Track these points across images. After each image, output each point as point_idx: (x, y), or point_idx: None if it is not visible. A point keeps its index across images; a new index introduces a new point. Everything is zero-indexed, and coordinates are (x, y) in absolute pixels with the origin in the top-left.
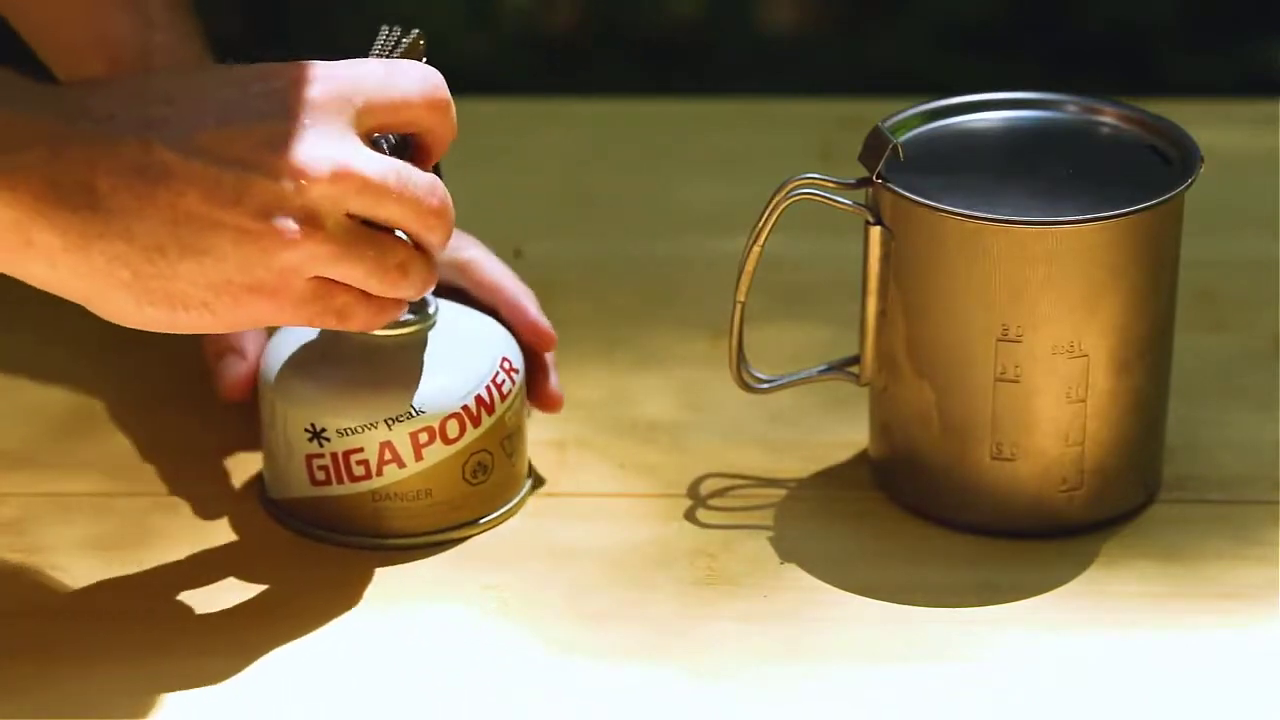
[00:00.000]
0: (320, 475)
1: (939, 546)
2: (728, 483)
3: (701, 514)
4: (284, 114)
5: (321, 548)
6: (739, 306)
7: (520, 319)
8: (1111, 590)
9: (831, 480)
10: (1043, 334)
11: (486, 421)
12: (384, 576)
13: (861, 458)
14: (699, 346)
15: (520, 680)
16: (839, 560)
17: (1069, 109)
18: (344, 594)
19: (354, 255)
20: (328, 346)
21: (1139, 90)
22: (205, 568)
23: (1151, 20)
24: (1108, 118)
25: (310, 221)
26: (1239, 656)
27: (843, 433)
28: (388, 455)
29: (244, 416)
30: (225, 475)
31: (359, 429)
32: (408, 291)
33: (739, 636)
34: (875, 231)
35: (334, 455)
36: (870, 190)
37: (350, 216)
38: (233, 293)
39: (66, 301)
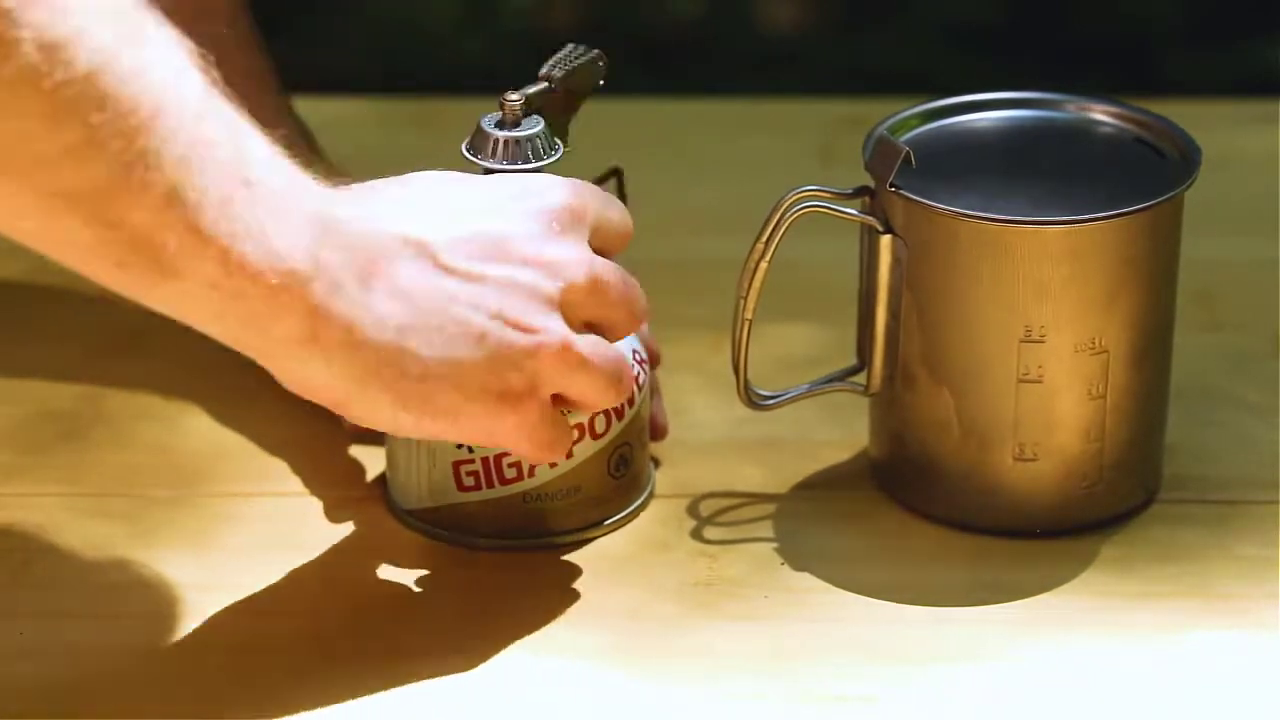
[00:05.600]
0: (469, 481)
1: (940, 547)
2: (728, 483)
3: (702, 514)
4: (539, 221)
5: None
6: (746, 324)
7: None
8: (1111, 590)
9: (831, 481)
10: (1065, 333)
11: (628, 414)
12: (386, 577)
13: (860, 458)
14: (700, 346)
15: (520, 680)
16: (839, 560)
17: (1069, 109)
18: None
19: (595, 367)
20: None
21: (1139, 90)
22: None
23: (1151, 20)
24: (1108, 118)
25: (558, 325)
26: (1239, 657)
27: (842, 433)
28: None
29: (258, 417)
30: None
31: None
32: (614, 401)
33: (739, 636)
34: (885, 240)
35: (485, 460)
36: (872, 198)
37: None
38: (484, 401)
39: (77, 304)
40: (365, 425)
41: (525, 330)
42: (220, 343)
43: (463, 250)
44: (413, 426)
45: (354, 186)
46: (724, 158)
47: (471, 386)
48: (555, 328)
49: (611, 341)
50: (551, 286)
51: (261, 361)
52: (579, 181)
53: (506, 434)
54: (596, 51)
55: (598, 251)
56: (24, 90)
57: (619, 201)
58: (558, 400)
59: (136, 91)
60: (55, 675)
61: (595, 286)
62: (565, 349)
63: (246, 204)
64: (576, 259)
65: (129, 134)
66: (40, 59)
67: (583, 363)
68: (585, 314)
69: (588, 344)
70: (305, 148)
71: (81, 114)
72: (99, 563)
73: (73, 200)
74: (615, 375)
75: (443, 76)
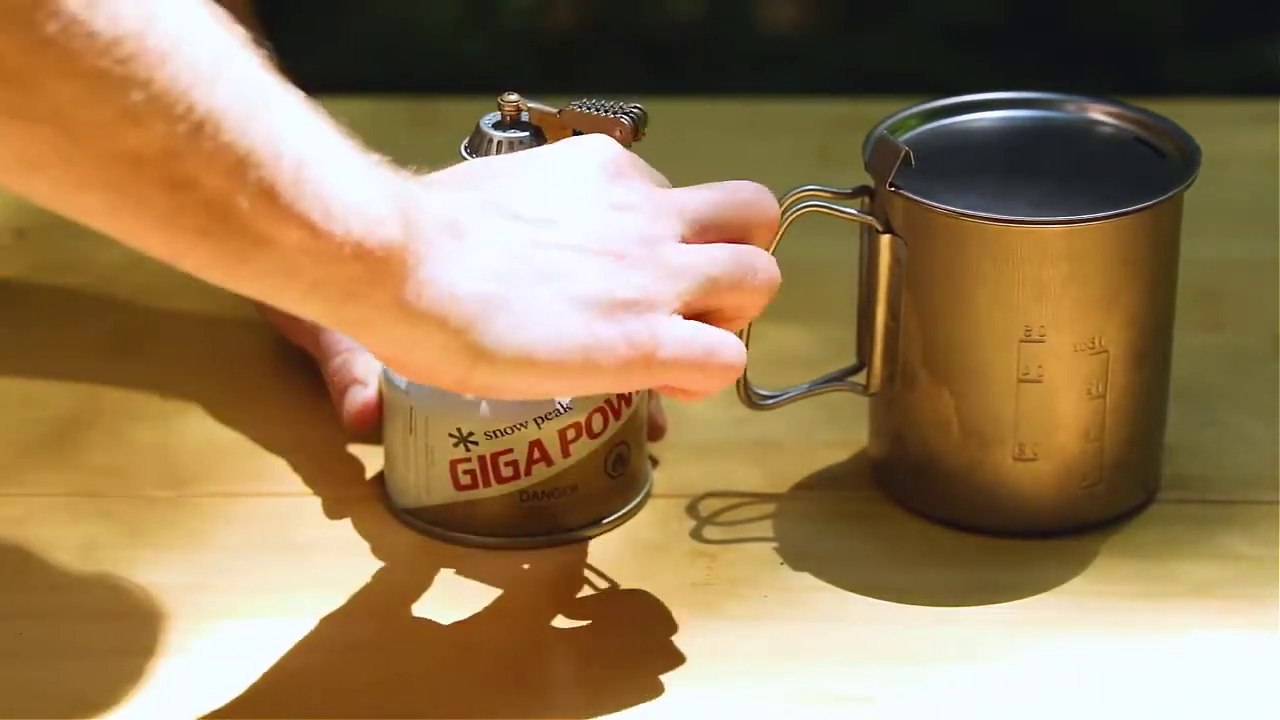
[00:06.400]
0: (466, 480)
1: (940, 547)
2: (728, 483)
3: (701, 514)
4: (601, 175)
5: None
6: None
7: None
8: (1111, 590)
9: (831, 481)
10: (1065, 332)
11: (625, 413)
12: (384, 576)
13: (860, 458)
14: None
15: (520, 680)
16: (839, 561)
17: (1069, 109)
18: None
19: (728, 274)
20: None
21: (1139, 90)
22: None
23: (1151, 20)
24: (1108, 118)
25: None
26: (1239, 657)
27: (842, 433)
28: (536, 454)
29: (257, 417)
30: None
31: (509, 430)
32: (701, 384)
33: (739, 636)
34: (885, 239)
35: (481, 459)
36: (872, 198)
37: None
38: (598, 311)
39: (74, 304)
40: (489, 394)
41: (626, 247)
42: (219, 344)
43: (535, 204)
44: (540, 381)
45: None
46: (724, 158)
47: (585, 304)
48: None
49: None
50: (660, 285)
51: (365, 338)
52: (683, 191)
53: (645, 343)
54: (640, 108)
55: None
56: (73, 47)
57: (747, 194)
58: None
59: (193, 56)
60: (53, 676)
61: (698, 219)
62: (700, 252)
63: (323, 167)
64: (688, 261)
65: (187, 96)
66: (87, 15)
67: (710, 269)
68: (710, 237)
69: (709, 254)
70: None
71: (137, 75)
72: (95, 563)
73: (138, 164)
74: (764, 280)
75: (442, 76)
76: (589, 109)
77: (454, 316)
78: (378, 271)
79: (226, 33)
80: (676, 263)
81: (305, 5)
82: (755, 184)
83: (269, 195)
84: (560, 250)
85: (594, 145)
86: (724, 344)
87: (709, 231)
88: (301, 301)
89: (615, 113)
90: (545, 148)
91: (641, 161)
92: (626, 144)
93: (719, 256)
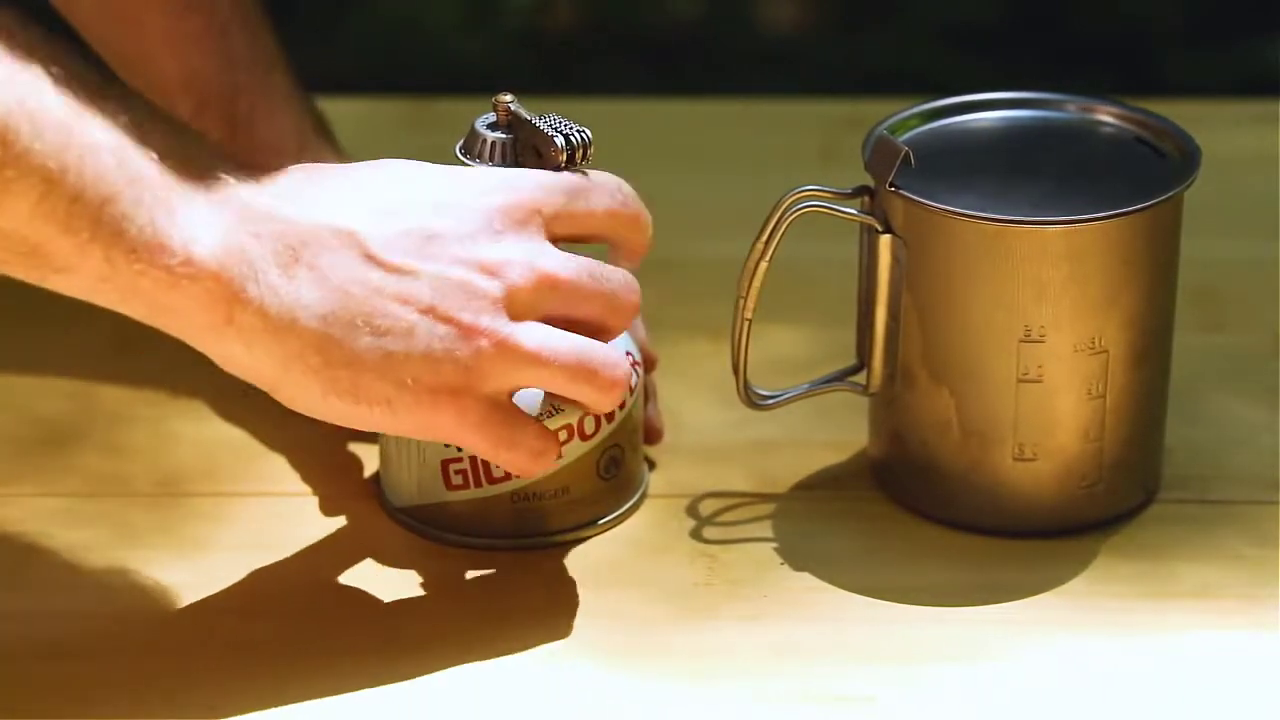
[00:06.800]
0: (457, 480)
1: (940, 547)
2: (727, 484)
3: (701, 514)
4: (481, 218)
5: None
6: (745, 324)
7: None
8: (1111, 590)
9: (831, 481)
10: (1065, 333)
11: (619, 416)
12: (386, 576)
13: (860, 458)
14: (699, 346)
15: (520, 680)
16: (839, 561)
17: (1069, 109)
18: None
19: (554, 361)
20: None
21: (1139, 90)
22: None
23: (1151, 20)
24: (1108, 118)
25: (499, 321)
26: (1239, 657)
27: (842, 433)
28: None
29: (253, 417)
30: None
31: None
32: (612, 394)
33: (739, 636)
34: (885, 240)
35: (473, 459)
36: (872, 198)
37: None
38: (416, 393)
39: (73, 305)
40: (299, 410)
41: (458, 326)
42: None
43: (397, 245)
44: (347, 414)
45: (292, 173)
46: (724, 158)
47: (402, 378)
48: (491, 325)
49: (604, 339)
50: (490, 285)
51: (186, 341)
52: (538, 175)
53: (447, 428)
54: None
55: (577, 239)
56: None
57: (602, 183)
58: (550, 398)
59: None
60: (49, 676)
61: (546, 284)
62: (504, 346)
63: (132, 202)
64: (516, 259)
65: None
66: None
67: (532, 358)
68: (546, 311)
69: (536, 339)
70: (296, 129)
71: None
72: (91, 564)
73: None
74: (580, 368)
75: (442, 76)
76: (536, 121)
77: (265, 345)
78: (183, 295)
79: (36, 67)
80: (519, 345)
81: (305, 5)
82: (626, 273)
83: (68, 234)
84: (404, 308)
85: (505, 185)
86: (523, 438)
87: (571, 306)
88: (115, 308)
89: (558, 132)
90: (462, 173)
91: (554, 199)
92: (557, 166)
93: (560, 348)
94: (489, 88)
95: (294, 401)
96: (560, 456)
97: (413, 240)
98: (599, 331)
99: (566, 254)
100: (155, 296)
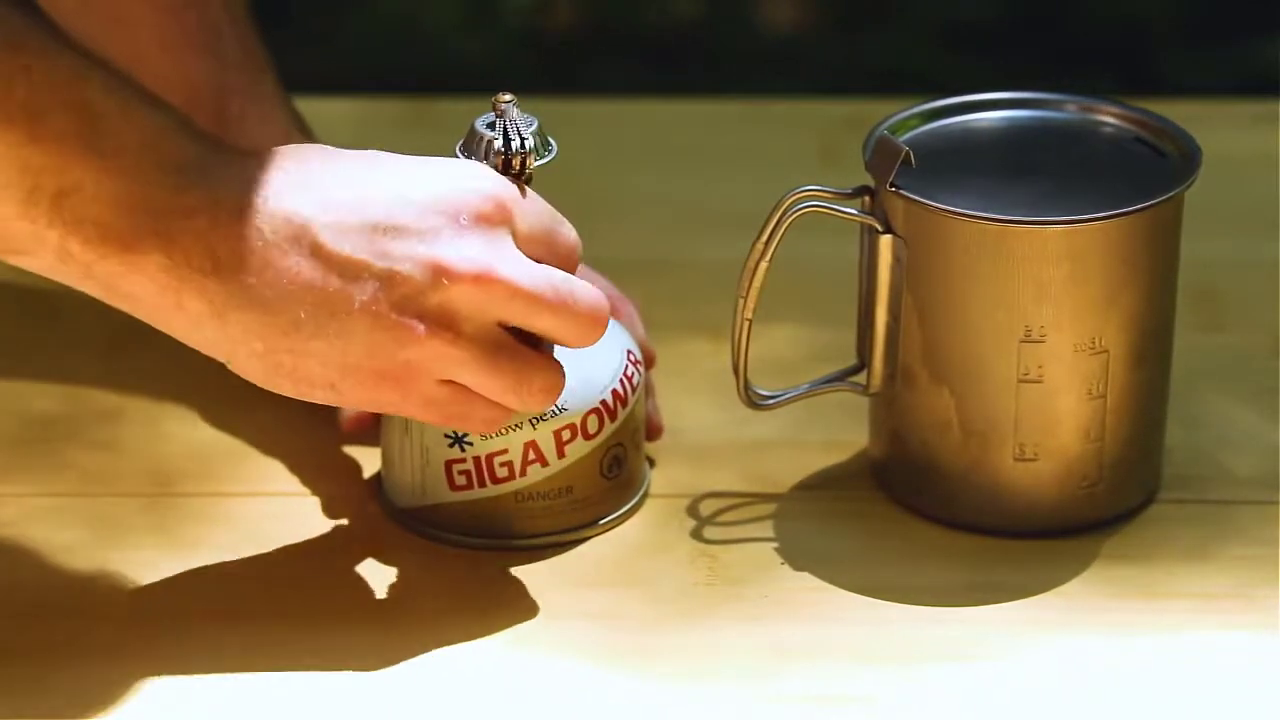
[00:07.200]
0: (461, 480)
1: (940, 547)
2: (727, 484)
3: (701, 515)
4: (442, 214)
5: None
6: (745, 324)
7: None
8: (1111, 590)
9: (831, 481)
10: (1066, 333)
11: (621, 414)
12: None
13: (860, 458)
14: (700, 346)
15: (520, 681)
16: (839, 560)
17: (1069, 109)
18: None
19: (492, 367)
20: None
21: (1139, 90)
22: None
23: (1151, 20)
24: (1108, 118)
25: (443, 322)
26: (1239, 657)
27: (842, 432)
28: (531, 455)
29: (253, 417)
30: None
31: (504, 430)
32: (538, 408)
33: (739, 636)
34: (885, 240)
35: (476, 459)
36: (872, 198)
37: (503, 326)
38: (359, 377)
39: (65, 302)
40: (250, 382)
41: (399, 321)
42: None
43: (347, 239)
44: (294, 393)
45: (259, 155)
46: (724, 158)
47: (345, 364)
48: (433, 322)
49: (572, 345)
50: (437, 282)
51: (142, 319)
52: (509, 185)
53: (395, 404)
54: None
55: (542, 260)
56: None
57: (570, 234)
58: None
59: None
60: (49, 676)
61: (501, 290)
62: (447, 345)
63: (83, 197)
64: (469, 259)
65: None
66: None
67: (471, 361)
68: (501, 317)
69: (482, 341)
70: (285, 133)
71: None
72: (88, 564)
73: None
74: (521, 375)
75: (442, 76)
76: (488, 123)
77: (212, 327)
78: (133, 282)
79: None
80: (453, 348)
81: (304, 5)
82: (597, 291)
83: (22, 220)
84: (345, 301)
85: (482, 184)
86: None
87: (529, 318)
88: (76, 287)
89: (505, 135)
90: (427, 171)
91: (524, 206)
92: (497, 170)
93: (503, 344)
94: (489, 88)
95: (246, 377)
96: (564, 455)
97: (365, 235)
98: (555, 340)
99: (532, 263)
100: (110, 282)
